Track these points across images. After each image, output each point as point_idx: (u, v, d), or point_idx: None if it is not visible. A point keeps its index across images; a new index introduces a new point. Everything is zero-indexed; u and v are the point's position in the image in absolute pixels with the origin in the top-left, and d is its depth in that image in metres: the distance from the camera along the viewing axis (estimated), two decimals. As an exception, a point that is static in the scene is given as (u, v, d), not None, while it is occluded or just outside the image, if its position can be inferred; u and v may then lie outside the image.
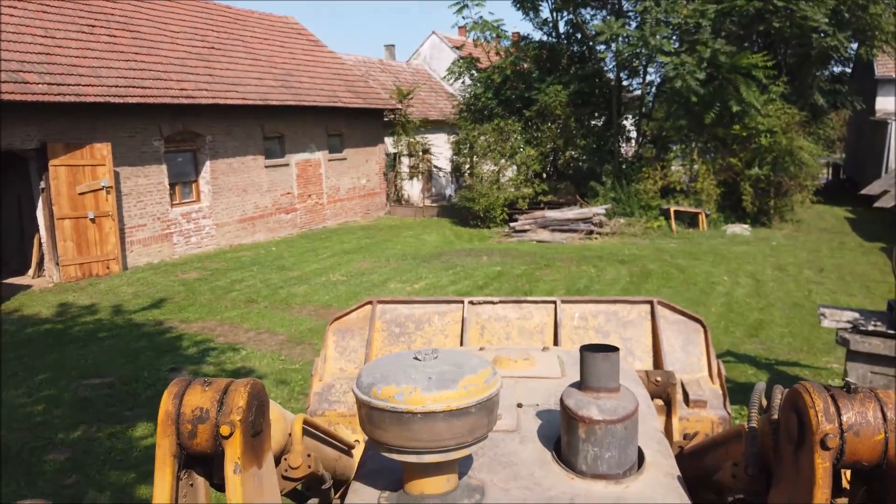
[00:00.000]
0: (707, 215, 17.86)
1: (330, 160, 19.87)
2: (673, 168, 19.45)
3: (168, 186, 14.58)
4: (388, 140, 23.07)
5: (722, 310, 9.99)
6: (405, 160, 23.80)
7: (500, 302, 3.04)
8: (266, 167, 17.39)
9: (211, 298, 10.96)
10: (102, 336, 8.92)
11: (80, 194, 12.50)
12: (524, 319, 3.02)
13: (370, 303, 3.02)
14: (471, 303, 3.01)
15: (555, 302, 2.99)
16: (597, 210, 17.62)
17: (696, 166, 18.74)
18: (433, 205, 23.41)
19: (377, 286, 11.67)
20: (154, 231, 14.29)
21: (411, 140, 23.28)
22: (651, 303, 2.95)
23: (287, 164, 18.21)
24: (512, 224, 17.78)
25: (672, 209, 17.81)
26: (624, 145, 22.14)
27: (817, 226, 18.54)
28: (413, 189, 24.48)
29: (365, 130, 21.46)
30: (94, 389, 6.94)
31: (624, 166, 19.69)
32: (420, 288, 11.54)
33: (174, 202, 14.95)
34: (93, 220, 12.67)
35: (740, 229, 17.53)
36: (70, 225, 12.42)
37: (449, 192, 26.37)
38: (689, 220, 18.00)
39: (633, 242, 16.30)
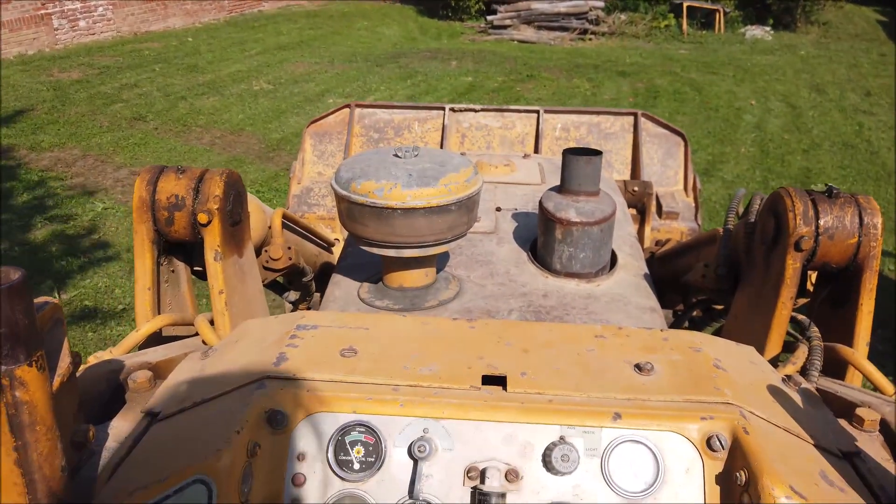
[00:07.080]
0: (725, 13, 14.78)
1: (264, -79, 15.67)
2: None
3: (36, -51, 10.93)
4: None
5: (755, 151, 7.70)
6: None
7: (482, 110, 3.03)
8: (177, -73, 13.40)
9: (84, 112, 8.22)
10: None
11: None
12: (506, 128, 3.03)
13: (348, 106, 3.01)
14: (452, 109, 3.00)
15: (538, 111, 2.98)
16: (594, 3, 14.35)
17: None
18: (397, -13, 19.32)
19: (311, 101, 8.97)
20: (24, 11, 10.91)
21: None
22: (635, 115, 2.97)
23: (206, -75, 14.14)
24: (490, 17, 14.51)
25: (685, 3, 14.63)
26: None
27: (847, 31, 15.61)
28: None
29: None
30: None
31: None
32: (366, 104, 8.89)
33: (50, -29, 11.38)
34: (-76, -6, 9.36)
35: (761, 32, 14.63)
36: None
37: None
38: (703, 20, 14.92)
39: (635, 46, 13.38)
